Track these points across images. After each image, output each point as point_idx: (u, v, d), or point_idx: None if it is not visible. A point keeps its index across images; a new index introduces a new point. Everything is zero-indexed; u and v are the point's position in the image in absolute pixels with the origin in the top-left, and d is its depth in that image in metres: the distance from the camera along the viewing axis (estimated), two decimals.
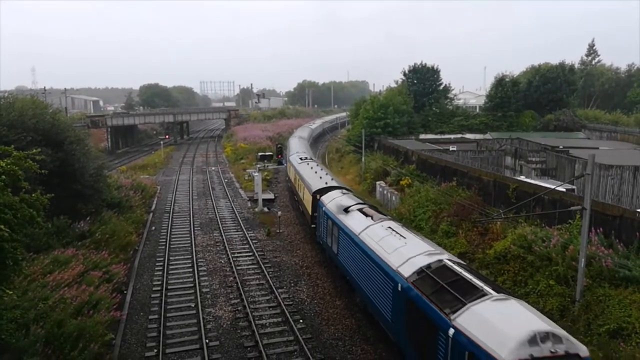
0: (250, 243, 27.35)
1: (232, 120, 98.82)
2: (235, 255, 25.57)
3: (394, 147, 44.42)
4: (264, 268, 23.34)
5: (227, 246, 26.86)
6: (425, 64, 65.26)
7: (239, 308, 19.28)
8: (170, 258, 25.08)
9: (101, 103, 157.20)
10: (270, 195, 39.43)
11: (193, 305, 19.48)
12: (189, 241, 28.00)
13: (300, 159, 37.32)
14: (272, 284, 21.43)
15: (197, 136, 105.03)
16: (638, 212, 17.85)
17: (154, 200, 38.79)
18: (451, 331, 10.83)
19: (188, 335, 17.12)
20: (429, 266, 13.52)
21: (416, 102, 61.68)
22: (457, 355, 10.60)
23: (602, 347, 14.84)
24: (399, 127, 54.08)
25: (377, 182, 38.58)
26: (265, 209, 35.44)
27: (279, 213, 32.49)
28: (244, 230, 30.08)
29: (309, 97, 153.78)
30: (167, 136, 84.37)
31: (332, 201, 22.73)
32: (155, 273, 23.10)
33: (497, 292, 11.48)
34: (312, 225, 26.57)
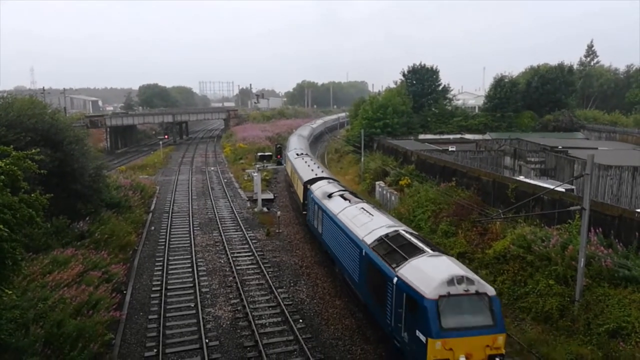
0: (250, 243, 27.34)
1: (231, 121, 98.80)
2: (235, 255, 25.56)
3: (393, 148, 44.44)
4: (263, 268, 23.33)
5: (226, 246, 26.84)
6: (425, 65, 65.36)
7: (239, 308, 19.27)
8: (170, 258, 25.06)
9: (100, 103, 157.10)
10: (270, 195, 39.42)
11: (193, 305, 19.47)
12: (189, 241, 27.98)
13: (297, 154, 39.76)
14: (271, 283, 21.42)
15: (196, 136, 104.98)
16: (637, 212, 17.90)
17: (153, 200, 38.77)
18: (395, 279, 13.69)
19: (188, 335, 17.10)
20: (387, 235, 16.38)
21: (415, 102, 61.70)
22: (398, 297, 13.43)
23: (602, 347, 14.87)
24: (398, 128, 54.12)
25: (377, 182, 38.61)
26: (265, 209, 35.44)
27: (279, 213, 32.48)
28: (244, 230, 30.07)
29: (308, 97, 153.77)
30: (166, 136, 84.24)
31: (319, 189, 25.67)
32: (155, 273, 23.08)
33: (433, 250, 14.57)
34: (304, 212, 28.97)
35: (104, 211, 27.37)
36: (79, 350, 14.01)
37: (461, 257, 23.15)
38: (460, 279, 12.50)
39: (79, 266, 19.17)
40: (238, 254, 25.73)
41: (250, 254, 25.77)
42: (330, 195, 23.49)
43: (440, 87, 65.99)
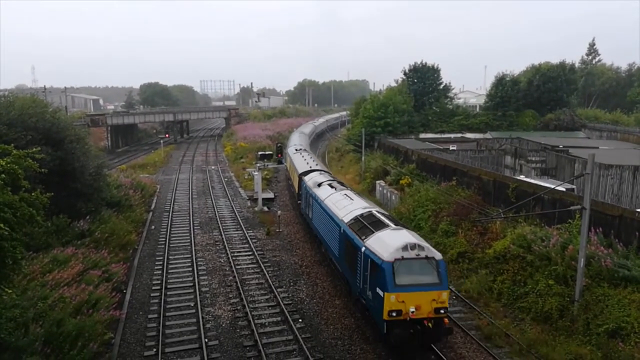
0: (250, 242, 27.36)
1: (232, 119, 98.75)
2: (235, 254, 25.57)
3: (393, 147, 44.41)
4: (263, 267, 23.35)
5: (226, 245, 26.86)
6: (426, 63, 65.24)
7: (238, 307, 19.28)
8: (170, 257, 25.08)
9: (101, 102, 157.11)
10: (270, 195, 39.43)
11: (192, 304, 19.48)
12: (189, 240, 28.00)
13: (296, 149, 42.83)
14: (271, 283, 21.43)
15: (197, 135, 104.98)
16: (637, 211, 17.85)
17: (154, 199, 38.80)
18: (363, 249, 16.25)
19: (187, 334, 17.12)
20: (361, 215, 18.89)
21: (416, 101, 61.64)
22: (364, 263, 16.05)
23: (601, 347, 14.86)
24: (399, 127, 54.04)
25: (377, 182, 38.59)
26: (265, 208, 35.45)
27: (279, 212, 32.50)
28: (244, 229, 30.09)
29: (309, 96, 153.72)
30: (167, 135, 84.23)
31: (311, 179, 28.13)
32: (155, 272, 23.10)
33: (396, 225, 17.23)
34: (298, 201, 31.50)
35: (105, 210, 27.40)
36: (79, 349, 14.05)
37: (461, 256, 23.19)
38: (413, 246, 15.11)
39: (79, 265, 19.20)
40: (238, 253, 25.75)
41: (250, 253, 25.78)
42: (319, 184, 26.03)
43: (442, 86, 65.86)
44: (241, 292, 20.47)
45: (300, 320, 18.20)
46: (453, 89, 69.07)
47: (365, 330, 17.38)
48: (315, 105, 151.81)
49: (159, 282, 21.76)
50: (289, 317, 18.11)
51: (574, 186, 26.21)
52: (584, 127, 58.96)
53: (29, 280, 16.66)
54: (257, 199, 35.97)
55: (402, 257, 14.82)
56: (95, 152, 31.92)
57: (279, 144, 43.16)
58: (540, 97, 62.57)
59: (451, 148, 43.64)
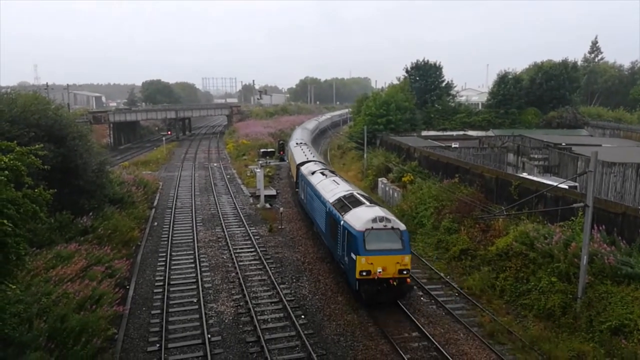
0: (253, 239, 27.40)
1: (234, 117, 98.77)
2: (238, 251, 25.62)
3: (396, 144, 44.37)
4: (266, 264, 23.39)
5: (229, 242, 26.91)
6: (428, 61, 65.13)
7: (241, 303, 19.33)
8: (173, 253, 25.14)
9: (103, 99, 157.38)
10: (272, 192, 39.46)
11: (195, 300, 19.54)
12: (191, 237, 28.05)
13: (297, 143, 45.47)
14: (274, 279, 21.47)
15: (199, 132, 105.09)
16: None
17: (157, 196, 38.86)
18: (342, 222, 19.32)
19: (190, 330, 17.17)
20: (344, 196, 21.92)
21: (418, 98, 61.54)
22: (343, 233, 19.15)
23: (604, 344, 14.86)
24: (401, 124, 53.94)
25: (379, 179, 38.58)
26: (267, 205, 35.48)
27: (281, 209, 32.53)
28: (246, 226, 30.13)
29: (311, 93, 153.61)
30: (169, 132, 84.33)
31: (307, 168, 31.22)
32: (158, 268, 23.16)
33: (370, 203, 20.25)
34: (297, 189, 34.93)
35: (107, 207, 27.47)
36: (82, 344, 14.11)
37: (464, 253, 23.20)
38: (381, 219, 18.19)
39: (82, 261, 19.27)
40: (241, 250, 25.79)
41: (252, 249, 25.82)
42: (313, 172, 28.94)
43: (444, 84, 65.75)
44: (244, 288, 20.52)
45: (302, 316, 18.23)
46: (455, 86, 69.00)
47: (368, 326, 17.43)
48: (317, 102, 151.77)
49: (162, 278, 21.82)
50: (291, 313, 18.14)
51: (576, 184, 26.14)
52: (587, 125, 58.81)
53: (33, 276, 16.70)
54: (259, 196, 36.00)
55: (372, 227, 17.89)
56: (98, 149, 31.95)
57: (281, 141, 43.19)
58: (543, 94, 62.43)
59: (453, 145, 43.57)
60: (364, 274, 17.68)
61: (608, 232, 18.32)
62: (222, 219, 31.94)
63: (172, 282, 21.37)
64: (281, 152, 40.25)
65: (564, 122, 58.69)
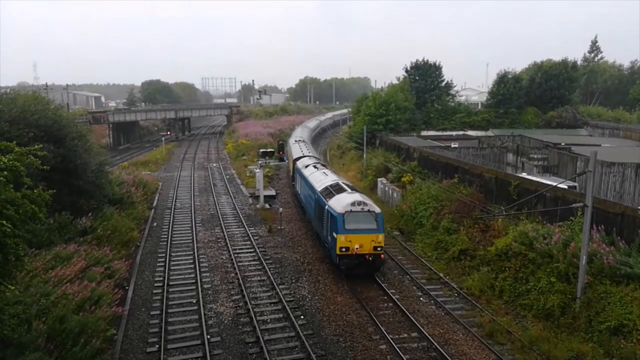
0: (252, 239, 27.39)
1: (233, 117, 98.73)
2: (237, 251, 25.61)
3: (395, 144, 44.38)
4: (265, 264, 23.38)
5: (228, 242, 26.91)
6: (427, 61, 65.12)
7: (241, 304, 19.32)
8: (172, 254, 25.13)
9: (103, 99, 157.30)
10: (272, 192, 39.45)
11: (194, 301, 19.53)
12: (191, 237, 28.05)
13: (295, 140, 47.95)
14: (273, 280, 21.47)
15: (198, 132, 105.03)
16: None
17: (156, 196, 38.84)
18: (326, 207, 21.96)
19: (189, 330, 17.17)
20: (331, 185, 24.59)
21: (418, 98, 61.55)
22: (327, 216, 21.78)
23: (603, 344, 14.88)
24: (400, 124, 53.98)
25: (379, 179, 38.58)
26: (267, 206, 35.48)
27: (281, 209, 32.53)
28: (245, 226, 30.13)
29: (311, 93, 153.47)
30: (168, 132, 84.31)
31: (301, 162, 33.87)
32: (157, 269, 23.15)
33: (352, 190, 23.19)
34: (293, 182, 37.73)
35: (107, 207, 27.44)
36: (81, 345, 14.08)
37: (463, 254, 23.20)
38: (359, 203, 20.96)
39: (81, 262, 19.24)
40: (240, 250, 25.79)
41: (252, 250, 25.82)
42: (307, 166, 31.49)
43: (443, 83, 65.76)
44: (243, 289, 20.51)
45: (302, 317, 18.22)
46: (455, 86, 69.04)
47: (367, 327, 17.43)
48: (317, 102, 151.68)
49: (161, 278, 21.81)
50: (290, 313, 18.13)
51: (576, 184, 26.16)
52: (586, 125, 58.84)
53: (32, 277, 16.67)
54: (258, 196, 36.00)
55: (351, 210, 20.62)
56: (97, 150, 31.92)
57: (280, 142, 43.17)
58: (543, 94, 62.45)
59: (453, 145, 43.61)
60: (344, 250, 20.42)
61: (607, 232, 18.33)
62: (221, 219, 31.93)
63: (171, 283, 21.36)
64: (280, 152, 40.20)
65: (564, 122, 58.73)
